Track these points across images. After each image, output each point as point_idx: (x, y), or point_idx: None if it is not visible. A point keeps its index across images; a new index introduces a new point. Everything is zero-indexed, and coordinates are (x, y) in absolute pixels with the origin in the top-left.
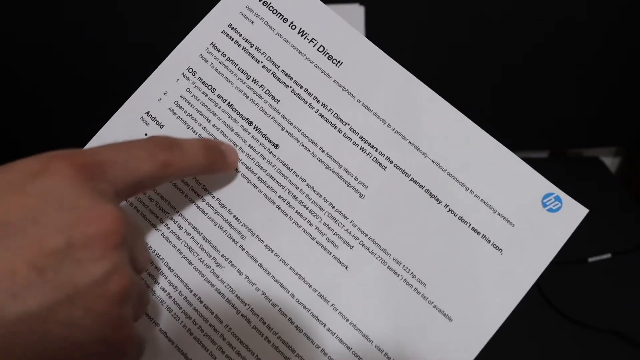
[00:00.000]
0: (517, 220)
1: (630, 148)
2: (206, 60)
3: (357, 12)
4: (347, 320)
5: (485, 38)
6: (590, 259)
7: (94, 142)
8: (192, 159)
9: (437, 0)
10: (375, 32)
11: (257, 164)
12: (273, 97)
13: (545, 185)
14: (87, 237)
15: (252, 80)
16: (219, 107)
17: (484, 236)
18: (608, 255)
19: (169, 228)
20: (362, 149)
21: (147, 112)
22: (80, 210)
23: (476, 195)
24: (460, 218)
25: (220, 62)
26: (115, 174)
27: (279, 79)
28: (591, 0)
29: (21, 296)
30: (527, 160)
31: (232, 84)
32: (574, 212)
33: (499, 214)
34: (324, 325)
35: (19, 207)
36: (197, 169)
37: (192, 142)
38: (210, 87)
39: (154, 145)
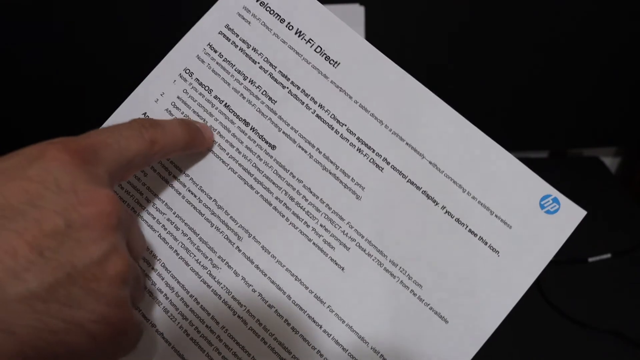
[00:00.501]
0: (515, 222)
1: (630, 148)
2: (203, 61)
3: (357, 12)
4: (344, 322)
5: (485, 38)
6: (590, 259)
7: None
8: (173, 135)
9: (437, 0)
10: (375, 32)
11: (254, 165)
12: (270, 98)
13: (543, 187)
14: (85, 218)
15: (249, 81)
16: (216, 108)
17: (480, 238)
18: (608, 255)
19: (166, 229)
20: (359, 150)
21: (144, 113)
22: (77, 193)
23: (473, 197)
24: (457, 220)
25: (217, 63)
26: (108, 155)
27: (276, 80)
28: (591, 0)
29: (22, 276)
30: (527, 160)
31: (229, 84)
32: (571, 214)
33: (496, 215)
34: (320, 327)
35: (19, 192)
36: (180, 145)
37: (171, 120)
38: (207, 88)
39: (139, 125)
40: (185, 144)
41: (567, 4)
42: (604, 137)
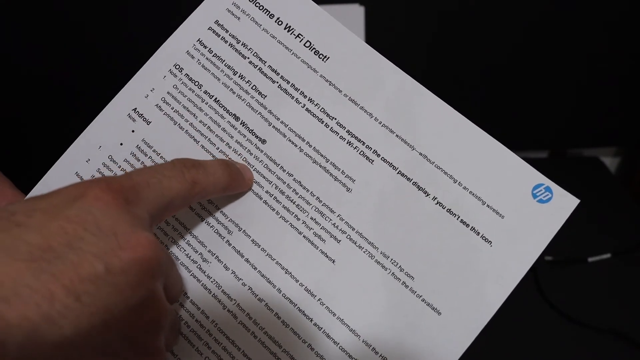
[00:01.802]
0: (507, 211)
1: (630, 148)
2: (193, 57)
3: (357, 12)
4: (335, 315)
5: (485, 38)
6: (590, 259)
7: (82, 138)
8: (215, 177)
9: (437, 0)
10: (375, 32)
11: (244, 159)
12: (260, 93)
13: (535, 176)
14: (124, 263)
15: (239, 76)
16: (206, 103)
17: (472, 228)
18: (608, 255)
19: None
20: (349, 142)
21: (134, 109)
22: (117, 236)
23: (465, 187)
24: (449, 210)
25: (206, 59)
26: (149, 196)
27: (265, 75)
28: (592, 0)
29: (58, 321)
30: (526, 160)
31: (218, 79)
32: (564, 203)
33: (488, 205)
34: (311, 321)
35: (59, 233)
36: (220, 187)
37: (212, 161)
38: (197, 83)
39: (181, 165)
40: (226, 186)
41: (567, 3)
42: (604, 137)
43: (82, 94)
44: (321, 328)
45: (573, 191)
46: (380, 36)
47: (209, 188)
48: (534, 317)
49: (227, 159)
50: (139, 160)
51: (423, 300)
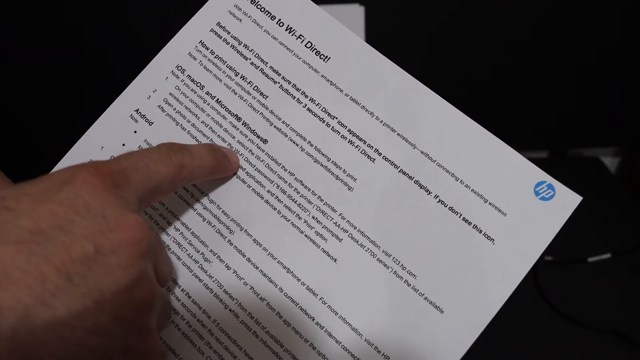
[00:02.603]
0: (509, 209)
1: (630, 148)
2: (195, 58)
3: (357, 12)
4: (337, 314)
5: (485, 38)
6: (590, 259)
7: (85, 139)
8: (200, 160)
9: (437, 0)
10: (375, 33)
11: (246, 159)
12: (261, 93)
13: (538, 174)
14: (114, 244)
15: (241, 77)
16: (208, 104)
17: (475, 226)
18: (608, 255)
19: (157, 224)
20: (350, 142)
21: (137, 110)
22: (107, 218)
23: (466, 185)
24: (451, 208)
25: (208, 60)
26: (137, 179)
27: (267, 75)
28: (592, 0)
29: (50, 302)
30: None
31: (220, 80)
32: (567, 200)
33: (490, 203)
34: (313, 319)
35: (49, 216)
36: (206, 170)
37: (198, 145)
38: (198, 84)
39: (167, 149)
40: (212, 169)
41: (567, 3)
42: (604, 137)
43: (84, 95)
44: (323, 327)
45: (573, 191)
46: (380, 36)
47: (195, 171)
48: (534, 317)
49: (213, 142)
50: None
51: (425, 298)
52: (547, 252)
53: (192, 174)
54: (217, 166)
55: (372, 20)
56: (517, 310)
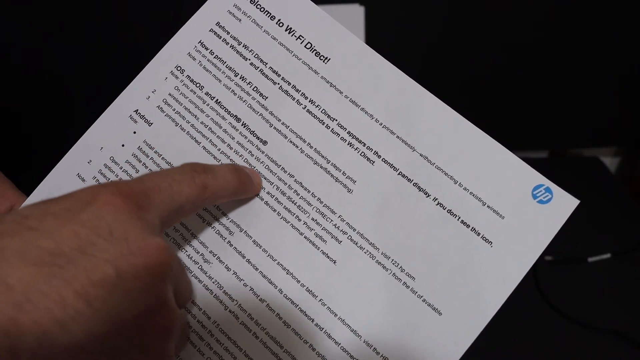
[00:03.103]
0: (507, 212)
1: (630, 148)
2: (194, 59)
3: (357, 12)
4: (336, 315)
5: (485, 38)
6: (590, 259)
7: (84, 140)
8: (224, 181)
9: (437, 0)
10: (375, 32)
11: (246, 160)
12: (261, 94)
13: (535, 177)
14: (135, 268)
15: (240, 78)
16: (207, 105)
17: (473, 229)
18: (608, 255)
19: None
20: (350, 144)
21: (136, 110)
22: (129, 241)
23: (465, 188)
24: (449, 211)
25: (208, 60)
26: (160, 200)
27: (266, 76)
28: (592, 0)
29: (69, 326)
30: (526, 160)
31: (220, 81)
32: (564, 204)
33: (488, 206)
34: (312, 321)
35: (71, 237)
36: (229, 191)
37: (222, 166)
38: (198, 85)
39: (190, 169)
40: (235, 190)
41: (567, 3)
42: (604, 137)
43: (84, 95)
44: (322, 328)
45: (573, 191)
46: (380, 36)
47: (218, 192)
48: (534, 317)
49: (236, 163)
50: (140, 161)
51: (424, 300)
52: (547, 252)
53: (215, 195)
54: (240, 187)
55: (372, 20)
56: (517, 310)
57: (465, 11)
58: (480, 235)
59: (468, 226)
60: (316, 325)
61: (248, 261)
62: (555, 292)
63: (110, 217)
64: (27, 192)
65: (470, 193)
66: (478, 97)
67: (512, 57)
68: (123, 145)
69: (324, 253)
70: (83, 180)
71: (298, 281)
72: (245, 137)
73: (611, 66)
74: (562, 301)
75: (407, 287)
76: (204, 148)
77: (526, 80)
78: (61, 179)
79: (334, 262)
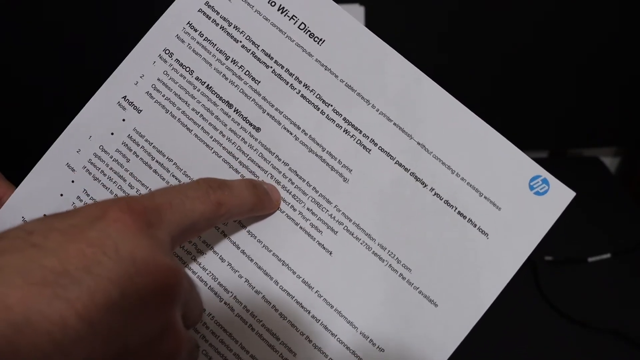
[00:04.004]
0: (504, 203)
1: (630, 148)
2: (183, 41)
3: (357, 12)
4: (332, 307)
5: (485, 38)
6: (590, 259)
7: (71, 128)
8: (240, 198)
9: (437, 0)
10: (375, 33)
11: (239, 148)
12: (253, 79)
13: (533, 167)
14: (142, 291)
15: (231, 61)
16: (198, 90)
17: (470, 220)
18: (608, 255)
19: None
20: (345, 131)
21: (124, 97)
22: (136, 262)
23: (462, 178)
24: (446, 202)
25: (197, 43)
26: (172, 218)
27: (259, 59)
28: (592, 0)
29: (70, 350)
30: None
31: (210, 65)
32: (561, 195)
33: (485, 197)
34: (308, 313)
35: (77, 256)
36: (246, 208)
37: (239, 181)
38: (188, 69)
39: (206, 185)
40: (252, 207)
41: (568, 3)
42: (604, 137)
43: (71, 83)
44: (319, 320)
45: (573, 191)
46: (380, 36)
47: (234, 210)
48: (534, 317)
49: (254, 179)
50: (131, 150)
51: (420, 292)
52: (547, 252)
53: (230, 213)
54: (258, 204)
55: (372, 20)
56: (518, 310)
57: (465, 11)
58: (477, 227)
59: (465, 217)
60: (312, 317)
61: (243, 252)
62: (555, 292)
63: (118, 235)
64: (17, 183)
65: (468, 183)
66: (478, 97)
67: (512, 57)
68: (112, 134)
69: (319, 244)
70: (73, 170)
71: (294, 272)
72: (238, 124)
73: (611, 66)
74: (562, 301)
75: (404, 278)
76: (196, 135)
77: (526, 80)
78: (50, 169)
79: (330, 253)
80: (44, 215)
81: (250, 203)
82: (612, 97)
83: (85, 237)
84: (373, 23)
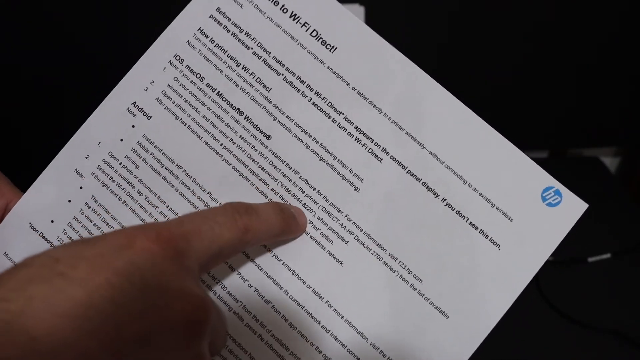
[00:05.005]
0: (516, 214)
1: (630, 148)
2: (194, 47)
3: (357, 12)
4: (342, 317)
5: (486, 38)
6: (590, 259)
7: (81, 134)
8: (267, 223)
9: (437, 1)
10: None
11: (249, 155)
12: (264, 86)
13: (545, 179)
14: (170, 324)
15: (242, 68)
16: (208, 97)
17: (481, 231)
18: (608, 255)
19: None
20: (357, 139)
21: (134, 103)
22: (164, 293)
23: (474, 189)
24: (458, 212)
25: (208, 49)
26: (200, 245)
27: (270, 66)
28: (592, 0)
29: None
30: None
31: (221, 72)
32: (573, 207)
33: (497, 208)
34: (319, 323)
35: (104, 286)
36: (272, 233)
37: (266, 205)
38: (198, 76)
39: (233, 210)
40: (279, 232)
41: (568, 4)
42: (604, 137)
43: (80, 88)
44: (329, 330)
45: (573, 191)
46: (381, 36)
47: (261, 235)
48: (534, 317)
49: (281, 202)
50: (140, 157)
51: (431, 303)
52: None
53: (257, 238)
54: (285, 229)
55: (372, 20)
56: (518, 310)
57: (465, 12)
58: (489, 238)
59: (477, 228)
60: (322, 327)
61: (252, 261)
62: (555, 292)
63: (146, 266)
64: (24, 189)
65: (480, 194)
66: (478, 97)
67: (512, 57)
68: (122, 140)
69: (330, 253)
70: (81, 176)
71: (304, 282)
72: (249, 132)
73: (611, 66)
74: (562, 301)
75: (414, 289)
76: (206, 143)
77: (526, 80)
78: (58, 175)
79: (340, 263)
80: (70, 240)
81: (277, 228)
82: (612, 97)
83: (112, 267)
84: (373, 23)
